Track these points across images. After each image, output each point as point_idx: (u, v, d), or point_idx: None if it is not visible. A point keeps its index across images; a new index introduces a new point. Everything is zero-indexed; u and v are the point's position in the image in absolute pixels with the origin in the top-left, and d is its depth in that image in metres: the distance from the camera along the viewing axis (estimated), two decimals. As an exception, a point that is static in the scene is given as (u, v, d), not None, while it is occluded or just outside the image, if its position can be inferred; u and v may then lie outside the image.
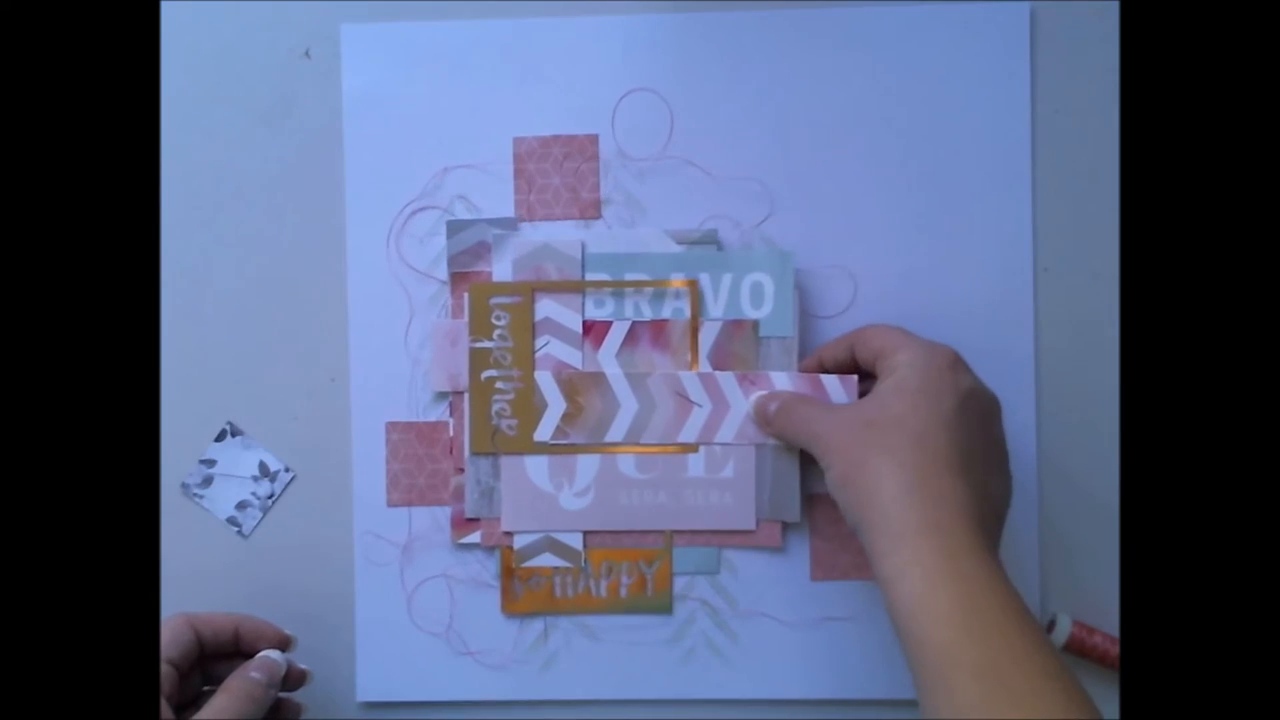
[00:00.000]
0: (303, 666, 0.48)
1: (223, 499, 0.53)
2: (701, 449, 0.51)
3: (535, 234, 0.51)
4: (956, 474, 0.39)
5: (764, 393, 0.49)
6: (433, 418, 0.52)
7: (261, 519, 0.53)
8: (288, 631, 0.48)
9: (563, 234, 0.51)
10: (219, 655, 0.47)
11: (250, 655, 0.47)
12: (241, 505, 0.53)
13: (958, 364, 0.43)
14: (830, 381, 0.49)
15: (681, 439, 0.51)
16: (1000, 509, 0.41)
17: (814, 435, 0.44)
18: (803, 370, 0.50)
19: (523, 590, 0.52)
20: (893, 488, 0.39)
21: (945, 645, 0.35)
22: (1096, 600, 0.50)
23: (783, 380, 0.50)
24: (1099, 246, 0.50)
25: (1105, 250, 0.50)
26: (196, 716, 0.43)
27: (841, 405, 0.47)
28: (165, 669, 0.44)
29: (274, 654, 0.47)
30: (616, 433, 0.51)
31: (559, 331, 0.51)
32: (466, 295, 0.51)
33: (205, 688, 0.48)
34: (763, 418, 0.49)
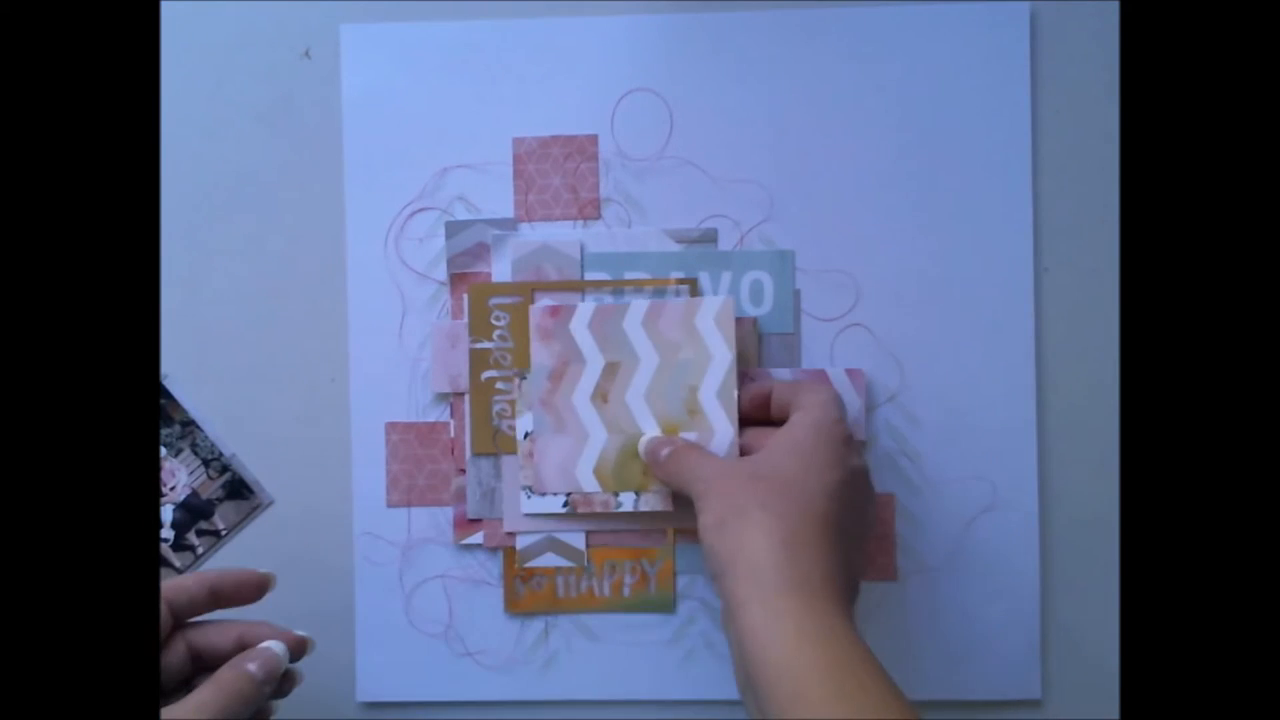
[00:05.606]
0: (296, 667, 0.44)
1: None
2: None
3: (534, 234, 0.51)
4: (830, 542, 0.40)
5: (657, 436, 0.49)
6: (432, 418, 0.52)
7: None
8: (302, 633, 0.44)
9: (562, 234, 0.51)
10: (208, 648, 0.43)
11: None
12: (241, 506, 0.53)
13: (851, 441, 0.44)
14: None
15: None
16: (856, 583, 0.43)
17: (698, 478, 0.44)
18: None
19: (525, 590, 0.52)
20: (767, 541, 0.40)
21: (818, 700, 0.36)
22: (1097, 601, 0.50)
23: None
24: (1099, 246, 0.50)
25: (1105, 250, 0.50)
26: (172, 707, 0.38)
27: (731, 459, 0.48)
28: None
29: (276, 646, 0.42)
30: (617, 433, 0.51)
31: (559, 331, 0.51)
32: (466, 296, 0.51)
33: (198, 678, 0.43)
34: (653, 460, 0.48)
